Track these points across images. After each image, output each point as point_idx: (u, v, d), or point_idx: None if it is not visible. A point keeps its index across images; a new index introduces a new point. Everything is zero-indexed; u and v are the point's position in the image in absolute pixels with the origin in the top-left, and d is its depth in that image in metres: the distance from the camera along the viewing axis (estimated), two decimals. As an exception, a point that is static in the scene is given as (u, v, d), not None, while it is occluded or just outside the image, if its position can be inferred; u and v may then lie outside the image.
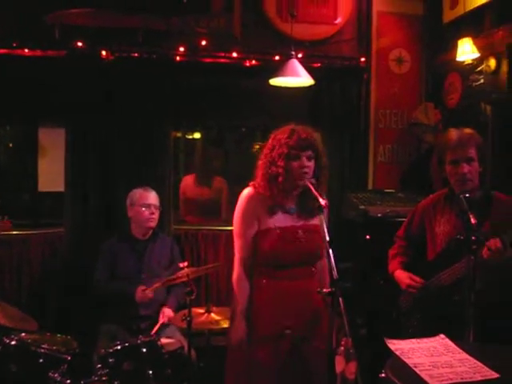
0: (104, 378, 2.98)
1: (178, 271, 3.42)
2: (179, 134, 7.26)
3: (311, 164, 2.66)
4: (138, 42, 4.46)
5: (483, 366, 1.84)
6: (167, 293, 3.88)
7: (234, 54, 4.62)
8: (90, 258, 4.02)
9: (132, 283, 3.75)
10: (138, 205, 3.91)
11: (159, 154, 4.69)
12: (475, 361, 1.89)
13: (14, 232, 4.51)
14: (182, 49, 4.53)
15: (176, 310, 3.77)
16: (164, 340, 3.32)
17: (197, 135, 7.47)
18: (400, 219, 3.40)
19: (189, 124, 6.57)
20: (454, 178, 2.77)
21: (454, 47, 4.25)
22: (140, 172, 4.58)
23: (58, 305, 4.51)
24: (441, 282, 2.77)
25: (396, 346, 2.00)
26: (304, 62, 4.12)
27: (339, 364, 1.90)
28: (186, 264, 3.39)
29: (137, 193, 3.95)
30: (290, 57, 4.03)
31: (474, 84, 4.29)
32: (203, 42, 4.57)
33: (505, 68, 3.96)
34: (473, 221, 2.40)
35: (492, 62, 4.03)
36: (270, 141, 2.74)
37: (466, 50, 4.13)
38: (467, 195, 2.59)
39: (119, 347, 3.08)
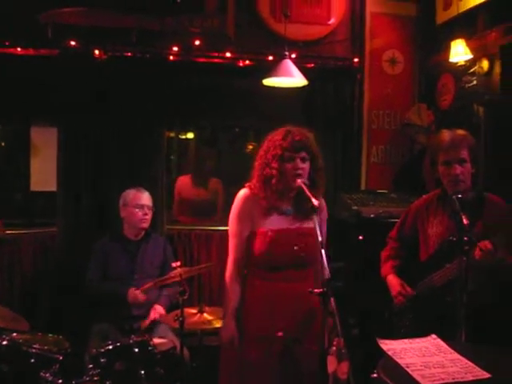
0: (96, 378, 2.95)
1: (171, 271, 3.41)
2: (172, 134, 7.24)
3: (305, 166, 2.64)
4: (132, 42, 4.44)
5: (475, 366, 1.85)
6: (160, 292, 3.87)
7: (228, 54, 4.61)
8: (83, 257, 4.01)
9: (124, 284, 3.74)
10: (131, 205, 3.89)
11: (152, 153, 4.68)
12: (467, 361, 1.90)
13: (6, 231, 4.49)
14: (175, 48, 4.52)
15: (168, 309, 3.77)
16: (156, 340, 3.31)
17: (190, 135, 7.47)
18: (393, 220, 3.42)
19: (182, 124, 6.55)
20: (446, 179, 2.78)
21: (447, 48, 4.26)
22: (133, 172, 4.56)
23: (49, 304, 4.49)
24: (433, 283, 2.78)
25: (388, 346, 2.01)
26: (297, 63, 4.12)
27: (331, 364, 1.90)
28: (178, 264, 3.38)
29: (130, 193, 3.94)
30: (283, 57, 4.03)
31: (467, 85, 4.30)
32: (197, 42, 4.56)
33: (498, 69, 3.97)
34: (465, 221, 2.41)
35: (485, 64, 4.04)
36: (265, 142, 2.73)
37: (459, 52, 4.14)
38: (460, 196, 2.60)
39: (111, 347, 3.06)
